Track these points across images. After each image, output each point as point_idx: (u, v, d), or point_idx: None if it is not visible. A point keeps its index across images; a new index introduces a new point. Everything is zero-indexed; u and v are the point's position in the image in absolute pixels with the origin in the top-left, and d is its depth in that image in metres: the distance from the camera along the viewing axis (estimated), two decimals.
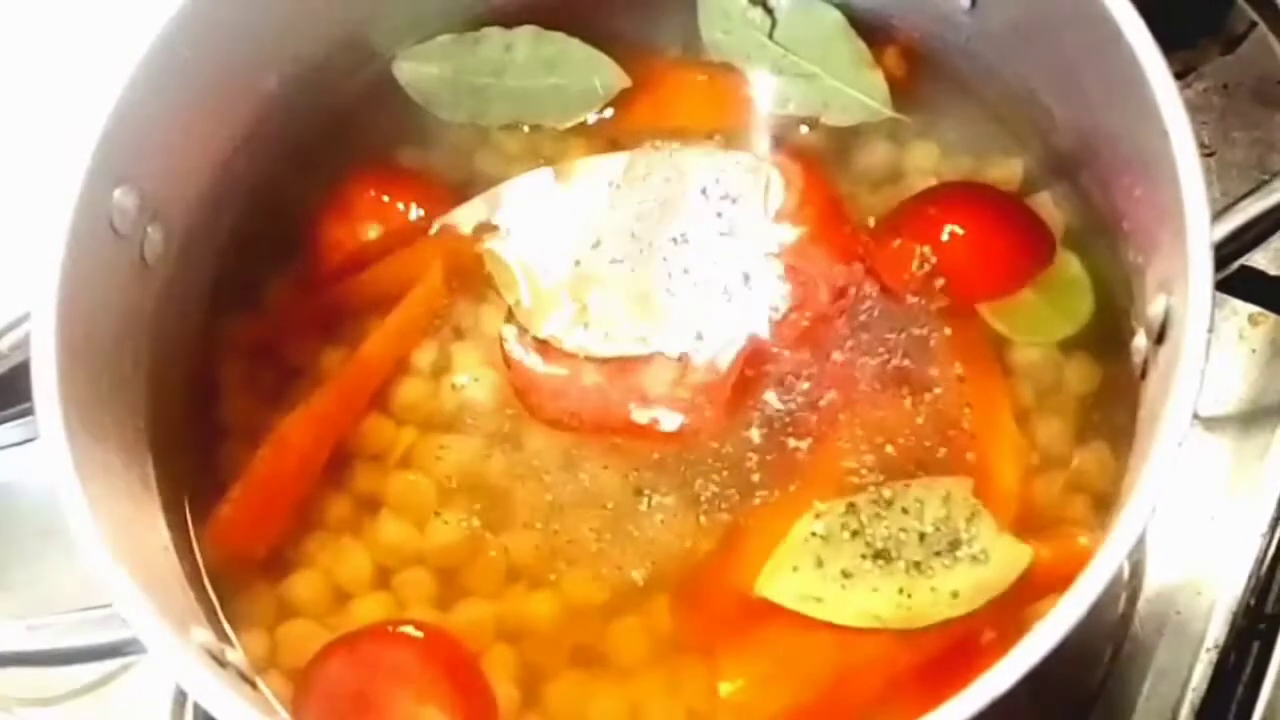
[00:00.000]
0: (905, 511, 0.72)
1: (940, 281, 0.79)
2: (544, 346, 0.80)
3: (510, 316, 0.81)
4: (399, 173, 0.87)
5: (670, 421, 0.78)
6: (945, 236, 0.80)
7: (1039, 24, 0.76)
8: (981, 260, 0.80)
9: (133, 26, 0.72)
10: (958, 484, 0.73)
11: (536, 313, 0.81)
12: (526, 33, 0.86)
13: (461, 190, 0.86)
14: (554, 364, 0.80)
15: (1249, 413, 0.92)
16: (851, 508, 0.73)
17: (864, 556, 0.71)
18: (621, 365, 0.79)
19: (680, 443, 0.77)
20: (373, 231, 0.84)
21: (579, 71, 0.86)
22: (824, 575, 0.71)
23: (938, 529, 0.72)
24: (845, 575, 0.71)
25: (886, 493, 0.73)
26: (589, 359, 0.80)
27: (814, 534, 0.73)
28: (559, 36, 0.87)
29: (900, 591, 0.71)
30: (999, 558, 0.71)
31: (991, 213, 0.81)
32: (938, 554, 0.71)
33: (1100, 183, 0.77)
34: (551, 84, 0.87)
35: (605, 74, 0.86)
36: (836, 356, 0.78)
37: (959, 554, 0.71)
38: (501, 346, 0.80)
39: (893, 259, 0.80)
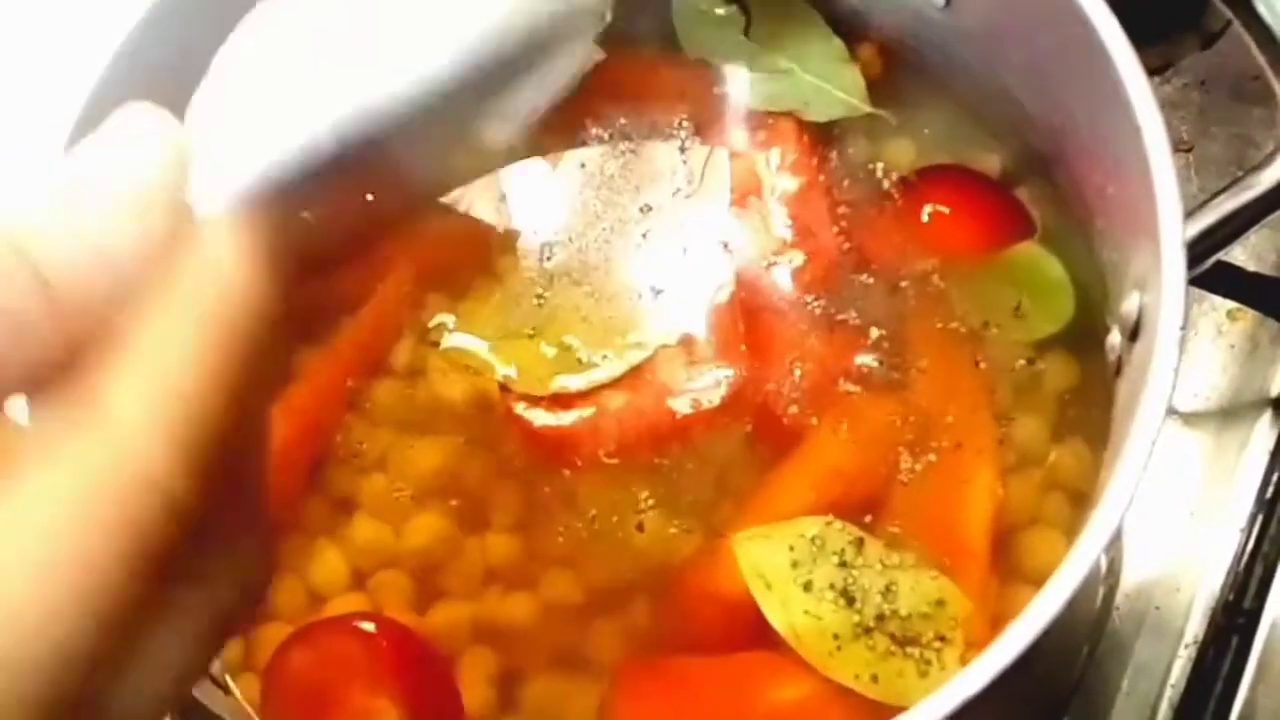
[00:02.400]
0: (894, 585, 0.71)
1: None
2: (557, 399, 0.79)
3: (504, 390, 0.79)
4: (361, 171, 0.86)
5: (712, 395, 0.77)
6: (926, 214, 0.81)
7: (1013, 21, 0.76)
8: (961, 219, 0.81)
9: (103, 31, 0.72)
10: (959, 600, 0.70)
11: (530, 377, 0.79)
12: None
13: (431, 187, 0.86)
14: (576, 409, 0.78)
15: (1227, 408, 0.92)
16: (859, 544, 0.72)
17: (833, 586, 0.70)
18: (635, 376, 0.79)
19: (737, 411, 0.77)
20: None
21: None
22: (792, 573, 0.71)
23: (909, 619, 0.70)
24: (806, 587, 0.71)
25: (895, 558, 0.72)
26: (603, 387, 0.79)
27: (814, 537, 0.72)
28: None
29: (834, 637, 0.69)
30: (934, 684, 0.67)
31: (969, 183, 0.82)
32: (891, 636, 0.69)
33: (1074, 180, 0.76)
34: None
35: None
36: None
37: (908, 650, 0.69)
38: (521, 425, 0.79)
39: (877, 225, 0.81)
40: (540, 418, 0.78)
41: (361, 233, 0.84)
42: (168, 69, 0.68)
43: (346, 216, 0.83)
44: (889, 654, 0.69)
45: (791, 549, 0.72)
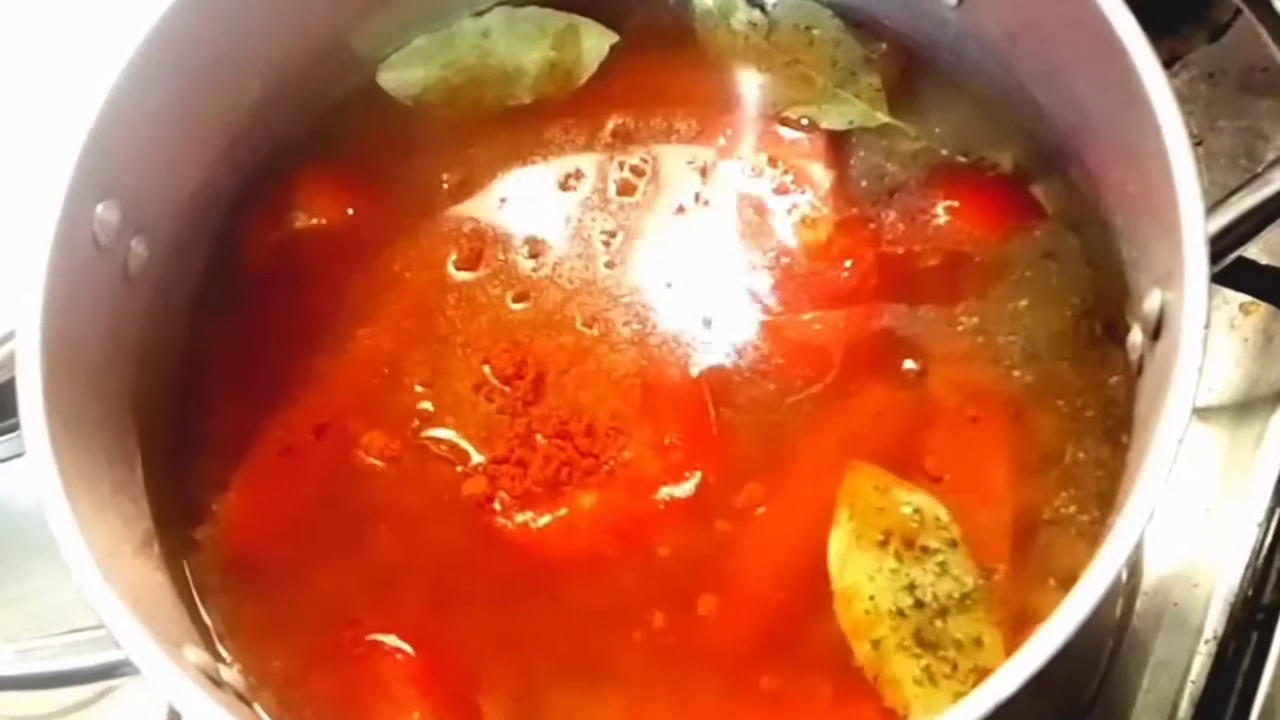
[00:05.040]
0: (952, 597, 0.71)
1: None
2: (530, 498, 0.77)
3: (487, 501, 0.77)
4: (366, 177, 0.86)
5: (683, 489, 0.76)
6: (940, 210, 0.81)
7: (1026, 19, 0.75)
8: (973, 212, 0.81)
9: (113, 40, 0.71)
10: (996, 653, 0.70)
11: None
12: (499, 14, 0.87)
13: (442, 193, 0.86)
14: (550, 510, 0.77)
15: (1242, 402, 0.92)
16: (952, 545, 0.72)
17: (900, 559, 0.71)
18: (607, 473, 0.77)
19: (710, 496, 0.76)
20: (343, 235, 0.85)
21: (563, 38, 0.87)
22: (877, 522, 0.72)
23: (943, 631, 0.70)
24: (880, 543, 0.72)
25: (970, 581, 0.71)
26: (574, 488, 0.77)
27: (916, 510, 0.73)
28: (531, 10, 0.87)
29: (871, 598, 0.71)
30: (920, 700, 0.69)
31: (980, 178, 0.82)
32: (917, 632, 0.70)
33: (1091, 177, 0.76)
34: (538, 57, 0.87)
35: (591, 34, 0.86)
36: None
37: (919, 653, 0.70)
38: (502, 534, 0.77)
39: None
40: (519, 517, 0.76)
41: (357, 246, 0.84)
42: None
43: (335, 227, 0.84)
44: (901, 646, 0.70)
45: (892, 505, 0.73)
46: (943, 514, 0.73)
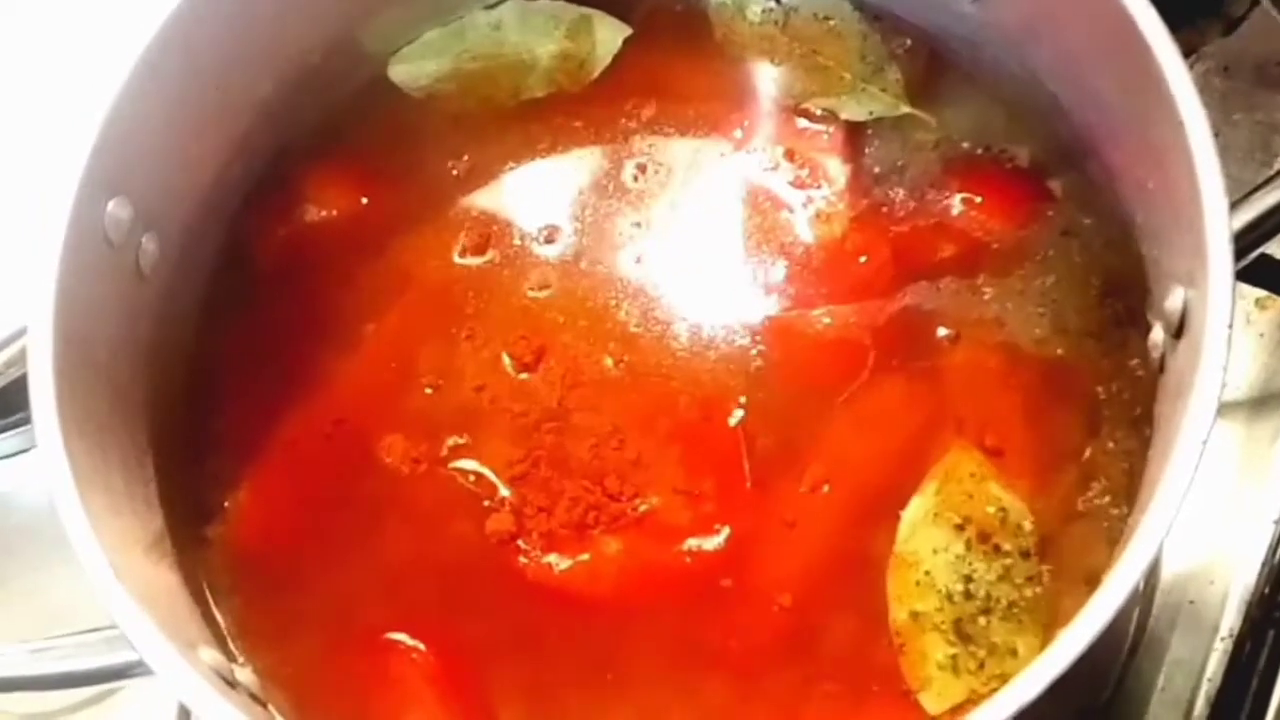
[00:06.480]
0: (1001, 601, 0.71)
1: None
2: (554, 540, 0.75)
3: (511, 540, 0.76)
4: (378, 170, 0.86)
5: (712, 541, 0.75)
6: (957, 203, 0.81)
7: (1045, 13, 0.74)
8: (990, 207, 0.81)
9: (124, 36, 0.71)
10: (1027, 655, 0.69)
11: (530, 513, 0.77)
12: (511, 7, 0.86)
13: (455, 184, 0.85)
14: (574, 554, 0.75)
15: (1258, 398, 0.92)
16: (1024, 554, 0.72)
17: (970, 548, 0.71)
18: (633, 522, 0.76)
19: (743, 554, 0.74)
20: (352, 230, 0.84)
21: (576, 30, 0.86)
22: (960, 505, 0.72)
23: (985, 629, 0.70)
24: (958, 526, 0.72)
25: (1030, 592, 0.71)
26: (600, 531, 0.76)
27: (1002, 508, 0.72)
28: (544, 3, 0.86)
29: (926, 573, 0.71)
30: (936, 684, 0.69)
31: (997, 172, 0.82)
32: (957, 621, 0.70)
33: (1110, 174, 0.75)
34: (551, 50, 0.86)
35: (604, 26, 0.86)
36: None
37: (953, 641, 0.70)
38: (525, 577, 0.75)
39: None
40: (543, 559, 0.75)
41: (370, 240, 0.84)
42: None
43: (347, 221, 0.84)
44: (939, 627, 0.70)
45: (981, 496, 0.73)
46: (1027, 524, 0.72)
